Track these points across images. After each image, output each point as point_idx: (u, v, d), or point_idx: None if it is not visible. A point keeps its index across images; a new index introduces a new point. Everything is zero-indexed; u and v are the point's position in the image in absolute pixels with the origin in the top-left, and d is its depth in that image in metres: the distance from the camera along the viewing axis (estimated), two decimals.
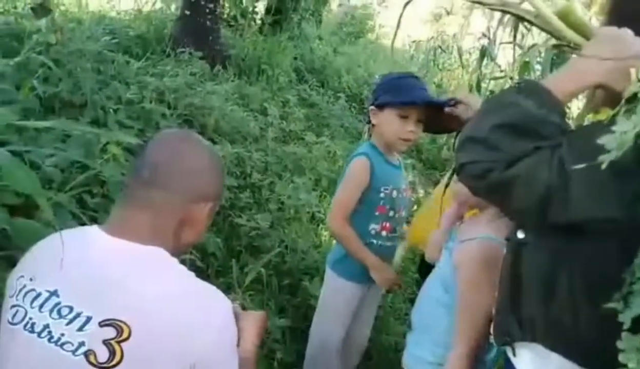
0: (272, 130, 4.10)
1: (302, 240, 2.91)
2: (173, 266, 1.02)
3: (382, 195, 1.88)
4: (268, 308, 1.40)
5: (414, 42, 8.64)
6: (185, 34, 4.70)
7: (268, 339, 2.18)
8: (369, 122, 1.94)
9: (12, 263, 1.36)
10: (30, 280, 1.00)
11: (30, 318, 0.95)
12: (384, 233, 1.91)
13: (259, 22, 6.05)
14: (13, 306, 0.99)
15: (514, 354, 1.12)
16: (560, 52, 2.23)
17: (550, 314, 1.02)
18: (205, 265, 2.44)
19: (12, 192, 1.47)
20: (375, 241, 1.91)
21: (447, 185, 1.54)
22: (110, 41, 3.52)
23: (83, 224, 1.28)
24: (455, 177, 1.41)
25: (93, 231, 1.04)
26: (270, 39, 5.60)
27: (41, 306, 0.95)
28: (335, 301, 2.01)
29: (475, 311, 1.32)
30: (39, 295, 0.97)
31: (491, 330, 1.20)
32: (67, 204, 1.69)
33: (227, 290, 2.19)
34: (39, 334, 0.93)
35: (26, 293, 0.98)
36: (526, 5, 1.13)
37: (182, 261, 1.07)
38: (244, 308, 1.27)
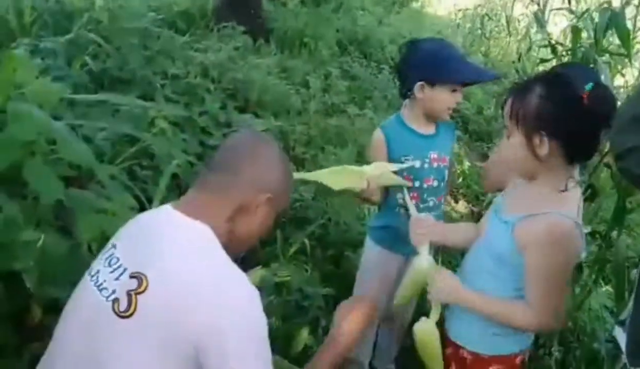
0: (315, 103, 4.09)
1: (345, 212, 2.92)
2: (211, 243, 1.05)
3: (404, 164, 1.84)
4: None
5: (460, 10, 8.39)
6: (227, 8, 4.72)
7: (312, 307, 2.22)
8: (406, 95, 1.86)
9: (67, 231, 1.44)
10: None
11: (94, 265, 1.09)
12: (413, 202, 1.84)
13: None
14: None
15: None
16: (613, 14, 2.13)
17: None
18: None
19: (66, 164, 1.53)
20: (403, 211, 1.88)
21: None
22: (155, 17, 3.57)
23: (134, 195, 1.34)
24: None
25: (165, 206, 1.13)
26: (312, 11, 5.56)
27: (103, 254, 1.09)
28: (373, 269, 2.02)
29: (552, 289, 1.30)
30: (107, 246, 1.10)
31: (622, 347, 1.12)
32: (119, 176, 1.76)
33: (272, 259, 2.24)
34: (91, 277, 1.06)
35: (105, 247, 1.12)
36: None
37: None
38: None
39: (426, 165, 1.87)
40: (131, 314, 0.96)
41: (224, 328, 0.97)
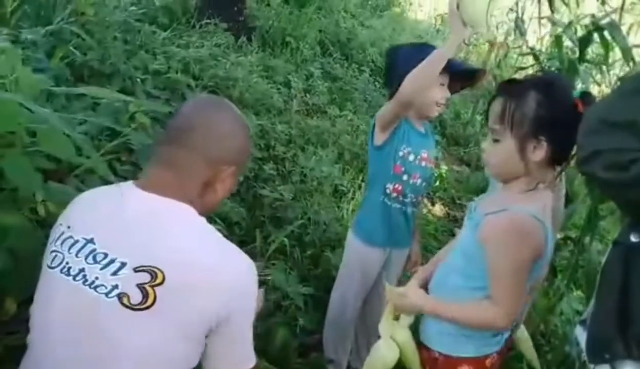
0: (296, 103, 4.10)
1: (325, 212, 2.93)
2: (202, 222, 1.09)
3: (400, 153, 1.89)
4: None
5: (439, 15, 8.48)
6: (210, 4, 4.69)
7: (291, 307, 2.23)
8: (392, 95, 1.94)
9: (43, 224, 1.41)
10: (68, 227, 1.08)
11: (67, 263, 1.03)
12: (394, 194, 1.93)
13: None
14: (52, 251, 1.07)
15: None
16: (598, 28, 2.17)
17: None
18: (230, 234, 2.49)
19: (44, 157, 1.51)
20: (386, 201, 1.94)
21: None
22: (137, 11, 3.53)
23: None
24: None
25: (127, 187, 1.10)
26: (295, 11, 5.56)
27: (78, 252, 1.03)
28: (356, 265, 2.04)
29: (511, 282, 1.30)
30: (76, 241, 1.05)
31: (582, 346, 1.13)
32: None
33: (251, 258, 2.24)
34: (74, 278, 1.01)
35: (64, 240, 1.06)
36: None
37: None
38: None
39: (417, 162, 1.93)
40: (150, 305, 0.96)
41: (242, 303, 1.06)
